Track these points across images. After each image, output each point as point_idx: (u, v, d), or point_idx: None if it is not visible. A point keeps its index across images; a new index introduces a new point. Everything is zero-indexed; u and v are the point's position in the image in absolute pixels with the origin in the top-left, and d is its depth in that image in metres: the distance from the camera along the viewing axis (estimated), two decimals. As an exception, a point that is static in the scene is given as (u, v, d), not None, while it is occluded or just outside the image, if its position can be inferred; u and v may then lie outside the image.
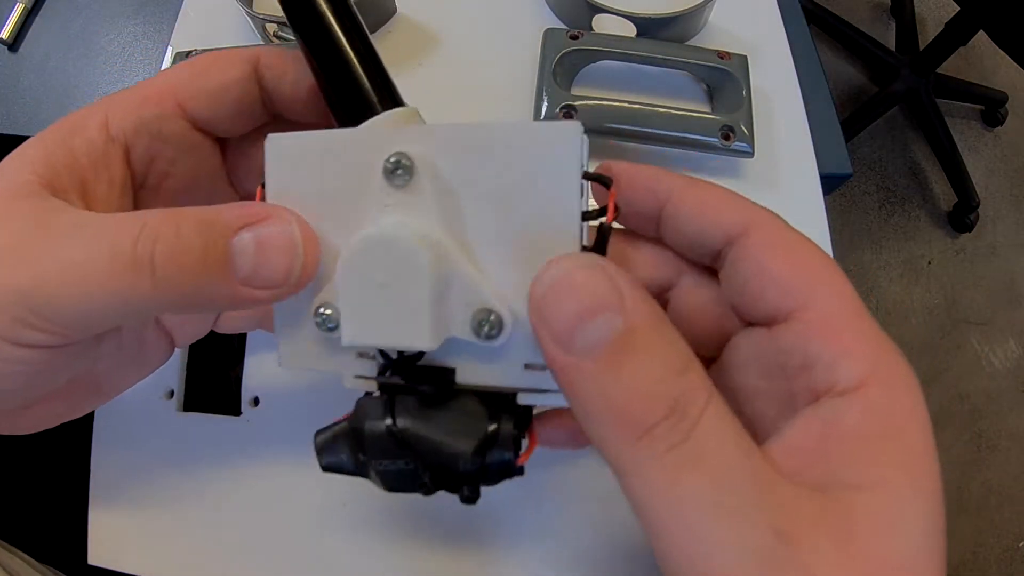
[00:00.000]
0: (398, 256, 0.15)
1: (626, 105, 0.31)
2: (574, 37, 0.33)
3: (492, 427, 0.16)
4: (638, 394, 0.13)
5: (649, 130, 0.31)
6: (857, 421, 0.14)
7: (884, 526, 0.13)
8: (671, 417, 0.12)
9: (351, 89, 0.18)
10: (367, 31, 0.19)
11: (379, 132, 0.17)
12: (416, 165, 0.15)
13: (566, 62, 0.33)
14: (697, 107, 0.34)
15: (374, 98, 0.18)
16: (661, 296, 0.19)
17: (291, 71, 0.20)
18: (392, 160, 0.15)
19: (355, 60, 0.18)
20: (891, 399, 0.14)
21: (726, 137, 0.31)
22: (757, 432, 0.16)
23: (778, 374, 0.16)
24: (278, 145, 0.17)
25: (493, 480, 0.16)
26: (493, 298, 0.15)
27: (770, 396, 0.16)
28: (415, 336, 0.15)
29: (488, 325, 0.15)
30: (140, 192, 0.20)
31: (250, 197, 0.22)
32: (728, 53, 0.32)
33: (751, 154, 0.31)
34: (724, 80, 0.33)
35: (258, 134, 0.21)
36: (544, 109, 0.31)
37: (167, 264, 0.15)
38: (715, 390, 0.13)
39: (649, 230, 0.18)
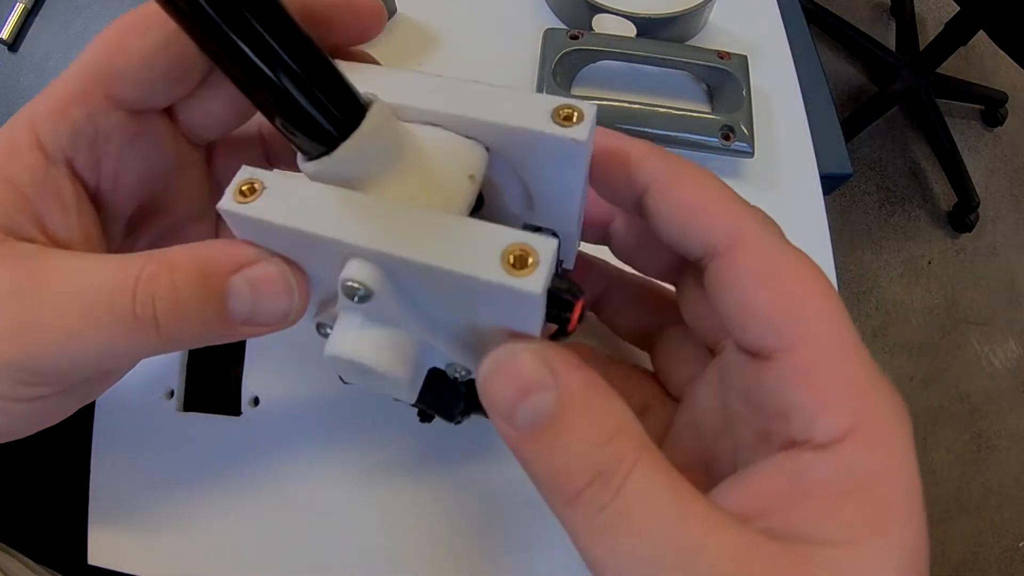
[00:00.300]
0: (370, 370, 0.16)
1: (626, 105, 0.31)
2: (574, 37, 0.33)
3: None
4: (566, 465, 0.14)
5: (649, 130, 0.31)
6: (828, 477, 0.14)
7: None
8: (595, 483, 0.13)
9: (303, 120, 0.15)
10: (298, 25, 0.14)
11: (337, 238, 0.15)
12: (375, 293, 0.15)
13: (566, 62, 0.33)
14: (697, 107, 0.34)
15: (331, 129, 0.15)
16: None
17: None
18: (348, 285, 0.15)
19: (305, 79, 0.14)
20: (868, 455, 0.14)
21: (726, 137, 0.31)
22: (736, 454, 0.16)
23: (759, 409, 0.15)
24: (234, 218, 0.16)
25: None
26: (457, 358, 0.17)
27: (749, 425, 0.16)
28: (400, 395, 0.18)
29: (462, 369, 0.18)
30: (98, 199, 0.18)
31: (223, 173, 0.21)
32: (728, 53, 0.32)
33: (751, 154, 0.31)
34: (724, 80, 0.33)
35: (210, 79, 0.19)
36: (544, 109, 0.31)
37: (170, 319, 0.15)
38: (646, 449, 0.14)
39: (632, 210, 0.18)
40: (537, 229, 0.19)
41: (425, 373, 0.18)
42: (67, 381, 0.17)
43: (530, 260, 0.14)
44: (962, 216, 1.23)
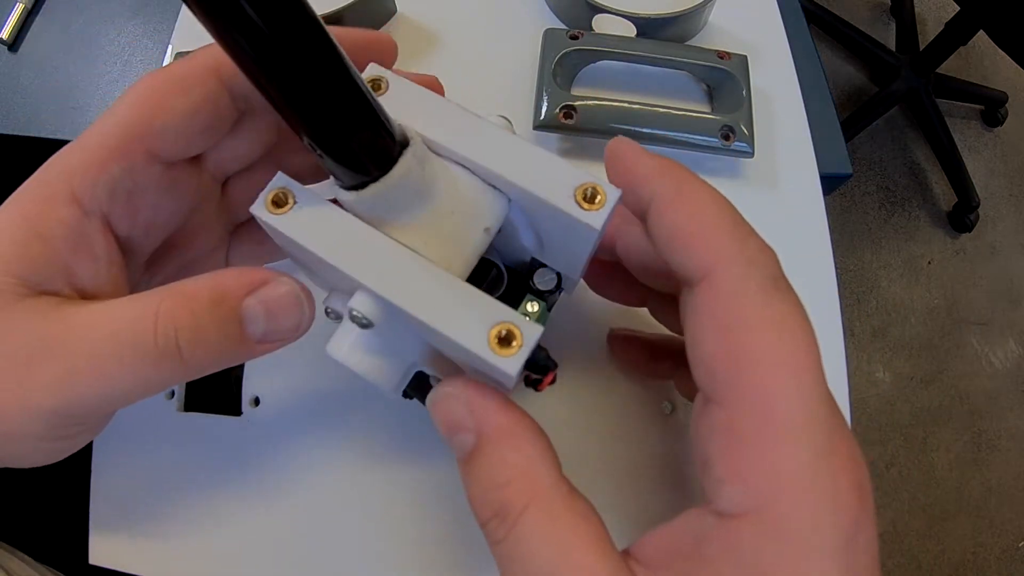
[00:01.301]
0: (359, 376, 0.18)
1: (626, 105, 0.31)
2: (574, 37, 0.33)
3: None
4: (477, 496, 0.16)
5: (649, 130, 0.31)
6: (718, 554, 0.14)
7: None
8: (494, 519, 0.16)
9: (339, 158, 0.15)
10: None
11: (351, 274, 0.16)
12: (375, 325, 0.17)
13: (566, 62, 0.33)
14: (697, 107, 0.34)
15: (363, 171, 0.16)
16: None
17: None
18: (352, 313, 0.16)
19: (351, 114, 0.15)
20: (760, 543, 0.14)
21: (726, 137, 0.31)
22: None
23: (703, 452, 0.16)
24: (264, 224, 0.17)
25: None
26: (441, 375, 0.20)
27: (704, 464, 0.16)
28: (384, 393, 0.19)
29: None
30: (127, 245, 0.19)
31: (237, 198, 0.22)
32: (728, 53, 0.32)
33: (751, 154, 0.31)
34: (724, 80, 0.33)
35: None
36: (544, 109, 0.31)
37: (192, 347, 0.16)
38: (540, 497, 0.15)
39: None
40: (542, 265, 0.21)
41: (411, 376, 0.20)
42: (99, 418, 0.18)
43: (515, 342, 0.15)
44: (962, 216, 1.23)
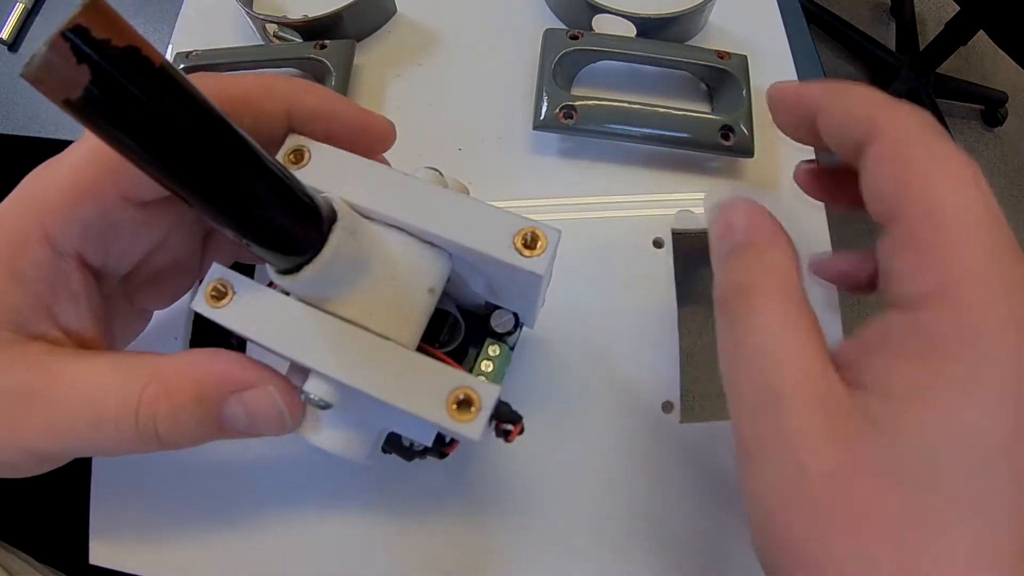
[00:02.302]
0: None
1: (626, 105, 0.31)
2: (574, 37, 0.33)
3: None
4: (727, 279, 0.19)
5: (649, 130, 0.31)
6: (900, 336, 0.15)
7: (882, 434, 0.14)
8: (737, 294, 0.18)
9: (266, 246, 0.15)
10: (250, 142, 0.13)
11: (298, 360, 0.17)
12: (332, 405, 0.17)
13: (566, 62, 0.33)
14: (697, 107, 0.34)
15: (292, 256, 0.15)
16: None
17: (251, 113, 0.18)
18: (309, 397, 0.17)
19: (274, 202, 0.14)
20: (942, 320, 0.15)
21: (726, 137, 0.31)
22: None
23: (888, 271, 0.17)
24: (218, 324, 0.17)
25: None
26: (413, 437, 0.20)
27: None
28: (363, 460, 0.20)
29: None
30: (102, 273, 0.19)
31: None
32: (728, 53, 0.32)
33: (751, 154, 0.31)
34: (724, 80, 0.33)
35: None
36: (544, 109, 0.31)
37: (170, 435, 0.17)
38: (781, 289, 0.17)
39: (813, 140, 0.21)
40: (498, 307, 0.21)
41: (383, 440, 0.20)
42: (70, 458, 0.19)
43: (473, 407, 0.16)
44: (962, 216, 1.23)
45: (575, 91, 0.33)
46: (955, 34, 1.16)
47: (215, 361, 0.17)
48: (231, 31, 0.36)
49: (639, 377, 0.27)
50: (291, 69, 0.34)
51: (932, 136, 0.17)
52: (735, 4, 0.36)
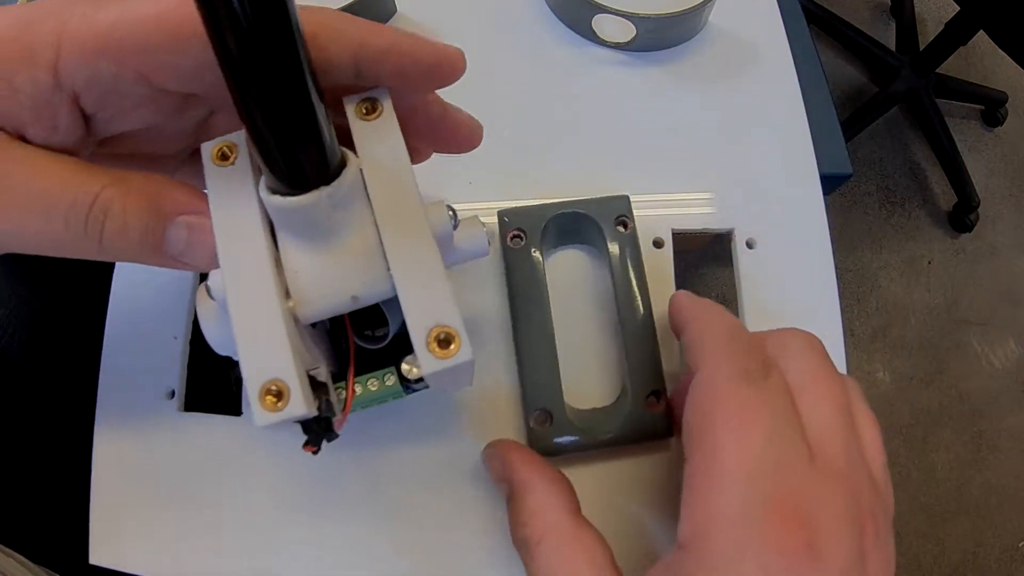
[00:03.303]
0: None
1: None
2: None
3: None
4: (512, 531, 0.22)
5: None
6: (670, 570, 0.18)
7: None
8: (521, 548, 0.21)
9: (266, 149, 0.15)
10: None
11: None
12: (218, 302, 0.18)
13: (566, 62, 0.33)
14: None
15: (286, 178, 0.16)
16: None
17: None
18: (208, 284, 0.18)
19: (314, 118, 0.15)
20: (689, 568, 0.17)
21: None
22: None
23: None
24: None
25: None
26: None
27: None
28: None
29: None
30: (88, 124, 0.18)
31: (221, 128, 0.21)
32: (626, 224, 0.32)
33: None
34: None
35: None
36: (544, 109, 0.31)
37: (112, 239, 0.17)
38: (552, 530, 0.20)
39: None
40: None
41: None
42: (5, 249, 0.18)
43: (281, 402, 0.16)
44: (962, 216, 1.23)
45: (575, 91, 0.33)
46: (955, 34, 1.15)
47: (176, 185, 0.18)
48: (231, 31, 0.36)
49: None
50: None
51: (736, 382, 0.19)
52: (735, 4, 0.36)
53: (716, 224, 0.30)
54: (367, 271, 0.17)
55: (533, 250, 0.27)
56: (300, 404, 0.16)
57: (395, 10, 0.36)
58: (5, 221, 0.17)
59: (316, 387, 0.18)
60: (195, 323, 0.29)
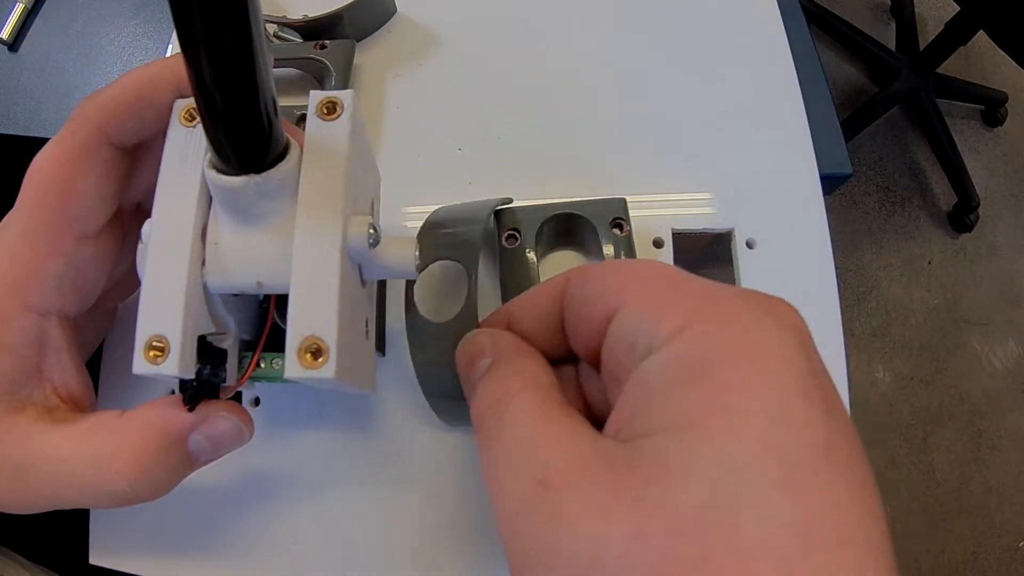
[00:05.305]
0: None
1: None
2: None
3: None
4: (482, 397, 0.18)
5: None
6: (661, 370, 0.14)
7: (669, 471, 0.13)
8: (492, 407, 0.17)
9: (211, 122, 0.15)
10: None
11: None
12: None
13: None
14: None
15: (222, 155, 0.16)
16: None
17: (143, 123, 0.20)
18: (143, 230, 0.18)
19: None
20: (700, 343, 0.14)
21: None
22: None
23: (621, 362, 0.16)
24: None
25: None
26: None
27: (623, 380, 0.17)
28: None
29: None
30: (79, 317, 0.21)
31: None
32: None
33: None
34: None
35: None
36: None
37: (146, 491, 0.19)
38: (532, 387, 0.17)
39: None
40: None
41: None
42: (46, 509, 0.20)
43: (162, 357, 0.17)
44: (962, 216, 1.23)
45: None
46: (955, 34, 1.15)
47: (171, 411, 0.19)
48: (231, 31, 0.36)
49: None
50: (291, 69, 0.34)
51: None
52: (735, 4, 0.36)
53: (716, 224, 0.30)
54: (275, 263, 0.18)
55: (528, 251, 0.27)
56: (175, 364, 0.17)
57: (395, 10, 0.36)
58: (58, 502, 0.19)
59: (211, 352, 0.19)
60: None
